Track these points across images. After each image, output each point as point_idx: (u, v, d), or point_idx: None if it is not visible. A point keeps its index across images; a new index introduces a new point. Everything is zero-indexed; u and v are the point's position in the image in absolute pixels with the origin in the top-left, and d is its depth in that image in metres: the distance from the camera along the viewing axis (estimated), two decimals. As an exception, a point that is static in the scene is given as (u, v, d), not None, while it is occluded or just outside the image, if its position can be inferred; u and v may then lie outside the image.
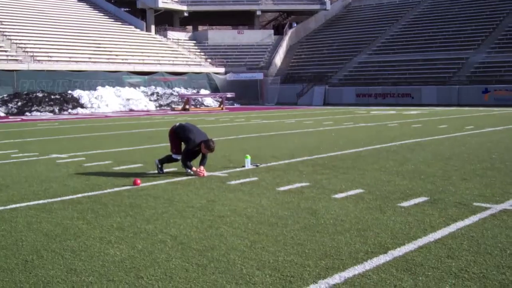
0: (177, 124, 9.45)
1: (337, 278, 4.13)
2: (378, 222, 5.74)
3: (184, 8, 57.15)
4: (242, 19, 62.17)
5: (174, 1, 56.89)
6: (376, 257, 4.59)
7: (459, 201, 6.65)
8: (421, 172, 8.89)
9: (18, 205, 6.87)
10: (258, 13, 60.10)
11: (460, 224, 5.62)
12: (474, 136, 15.34)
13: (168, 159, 9.30)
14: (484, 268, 4.32)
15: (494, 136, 15.28)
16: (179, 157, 9.11)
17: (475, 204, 6.51)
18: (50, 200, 7.10)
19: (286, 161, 10.47)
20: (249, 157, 9.83)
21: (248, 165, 9.66)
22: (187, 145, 8.97)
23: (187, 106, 37.40)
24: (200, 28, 64.90)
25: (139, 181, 8.10)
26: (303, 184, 7.99)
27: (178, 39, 54.74)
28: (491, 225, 5.56)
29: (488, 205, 6.42)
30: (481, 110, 31.21)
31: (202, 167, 8.94)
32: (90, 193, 7.52)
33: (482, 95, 38.14)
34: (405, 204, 6.57)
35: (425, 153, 11.49)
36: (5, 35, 41.07)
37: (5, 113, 33.35)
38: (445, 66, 42.96)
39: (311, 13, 61.54)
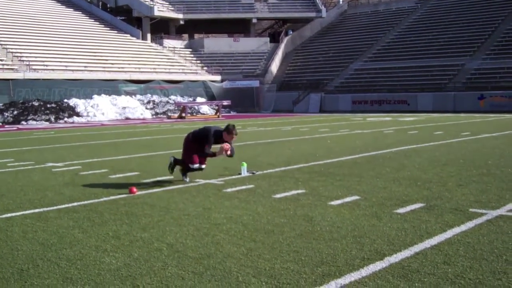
0: (191, 131, 9.24)
1: (333, 285, 4.13)
2: (374, 229, 5.74)
3: (180, 16, 57.27)
4: (238, 27, 62.30)
5: (170, 10, 57.03)
6: (372, 264, 4.59)
7: (455, 207, 6.66)
8: (417, 179, 8.90)
9: (13, 214, 6.85)
10: (254, 21, 60.26)
11: (456, 230, 5.63)
12: (470, 142, 15.37)
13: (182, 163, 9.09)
14: (480, 274, 4.32)
15: (489, 142, 15.32)
16: (195, 166, 8.84)
17: (471, 210, 6.52)
18: (45, 209, 7.08)
19: (282, 168, 10.47)
20: (245, 164, 9.83)
21: (244, 173, 9.65)
22: (207, 142, 8.75)
23: (183, 114, 37.42)
24: (196, 36, 65.02)
25: (135, 189, 8.09)
26: (299, 191, 7.98)
27: (174, 47, 54.82)
28: (487, 231, 5.57)
29: (484, 211, 6.43)
30: (477, 116, 31.29)
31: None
32: (86, 202, 7.50)
33: (478, 101, 38.26)
34: (401, 210, 6.57)
35: (421, 159, 11.51)
36: (1, 44, 41.08)
37: (1, 122, 33.31)
38: (441, 73, 43.11)
39: (306, 20, 61.72)
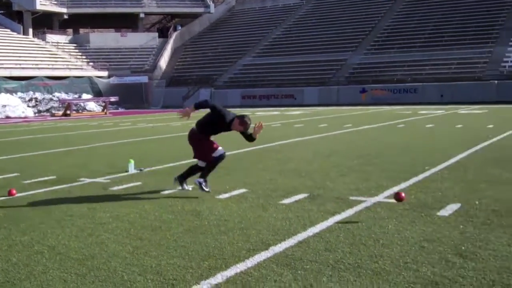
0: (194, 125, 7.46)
1: (219, 278, 4.16)
2: (260, 220, 5.85)
3: (64, 10, 55.10)
4: (125, 22, 60.97)
5: (53, 3, 54.68)
6: (257, 254, 4.68)
7: (337, 196, 6.94)
8: (302, 170, 9.18)
9: None
10: (142, 15, 59.28)
11: (338, 217, 5.87)
12: (352, 134, 16.07)
13: (191, 171, 7.59)
14: (358, 258, 4.53)
15: (370, 133, 16.10)
16: (220, 153, 7.30)
17: (351, 198, 6.82)
18: None
19: (171, 165, 10.39)
20: (132, 161, 9.66)
21: (132, 170, 9.48)
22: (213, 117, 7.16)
23: (68, 112, 36.05)
24: (81, 31, 62.85)
25: (14, 191, 7.69)
26: (188, 187, 7.96)
27: (57, 43, 52.67)
28: (366, 217, 5.85)
29: (363, 198, 6.76)
30: (358, 109, 32.75)
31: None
32: (-41, 206, 7.03)
33: (360, 94, 40.07)
34: (286, 201, 6.76)
35: (306, 151, 11.87)
36: None
37: None
38: (325, 68, 44.66)
39: (195, 16, 61.62)
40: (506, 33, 41.83)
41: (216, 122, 7.20)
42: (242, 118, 7.14)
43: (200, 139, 7.34)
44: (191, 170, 7.56)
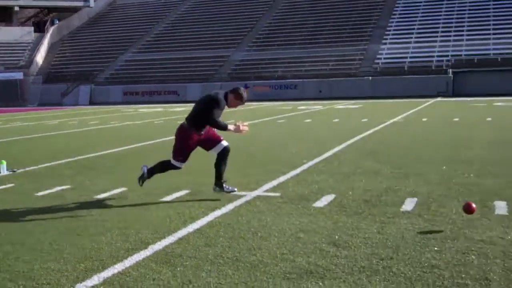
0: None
1: (95, 280, 4.06)
2: (140, 219, 5.77)
3: None
4: (-2, 15, 57.59)
5: None
6: (136, 254, 4.61)
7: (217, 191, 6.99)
8: (183, 167, 9.13)
9: None
10: (16, 9, 56.26)
11: (218, 213, 5.92)
12: (235, 129, 16.25)
13: (162, 167, 7.00)
14: (237, 252, 4.60)
15: (251, 129, 16.30)
16: (181, 165, 6.93)
17: (232, 193, 6.90)
18: None
19: (47, 164, 9.96)
20: (4, 162, 9.14)
21: (4, 171, 8.98)
22: (211, 114, 6.71)
23: None
24: None
25: None
26: (65, 187, 7.69)
27: None
28: (246, 211, 5.96)
29: (243, 193, 6.87)
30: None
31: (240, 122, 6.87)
32: None
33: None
34: (167, 198, 6.73)
35: (189, 148, 11.84)
36: None
37: None
38: (208, 64, 44.81)
39: (74, 10, 59.42)
40: (379, 32, 44.20)
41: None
42: (236, 91, 6.73)
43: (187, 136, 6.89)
44: (217, 168, 6.81)
